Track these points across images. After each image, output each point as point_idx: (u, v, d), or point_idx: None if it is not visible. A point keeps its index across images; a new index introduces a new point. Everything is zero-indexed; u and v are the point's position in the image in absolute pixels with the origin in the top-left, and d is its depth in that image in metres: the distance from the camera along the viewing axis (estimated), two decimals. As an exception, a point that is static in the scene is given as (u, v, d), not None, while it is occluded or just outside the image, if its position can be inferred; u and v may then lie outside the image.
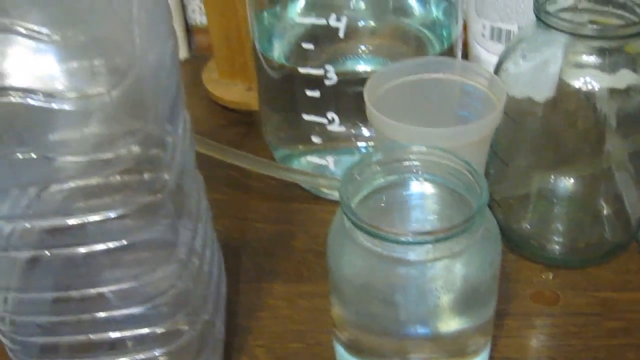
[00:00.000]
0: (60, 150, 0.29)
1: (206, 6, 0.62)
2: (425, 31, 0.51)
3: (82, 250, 0.32)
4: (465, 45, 0.63)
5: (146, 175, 0.33)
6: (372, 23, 0.49)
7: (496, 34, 0.60)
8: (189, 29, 0.73)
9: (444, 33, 0.50)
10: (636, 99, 0.43)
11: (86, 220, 0.31)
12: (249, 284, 0.47)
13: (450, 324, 0.35)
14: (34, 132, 0.28)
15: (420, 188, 0.37)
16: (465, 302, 0.34)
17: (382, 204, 0.37)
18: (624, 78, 0.42)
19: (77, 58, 0.28)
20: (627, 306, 0.44)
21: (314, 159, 0.49)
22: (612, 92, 0.42)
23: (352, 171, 0.35)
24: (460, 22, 0.50)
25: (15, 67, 0.27)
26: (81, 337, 0.35)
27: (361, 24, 0.48)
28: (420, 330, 0.35)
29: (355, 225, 0.32)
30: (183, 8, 0.72)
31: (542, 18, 0.40)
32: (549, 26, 0.40)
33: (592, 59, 0.41)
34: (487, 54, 0.58)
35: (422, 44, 0.50)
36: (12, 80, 0.27)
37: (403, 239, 0.32)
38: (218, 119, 0.63)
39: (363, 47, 0.48)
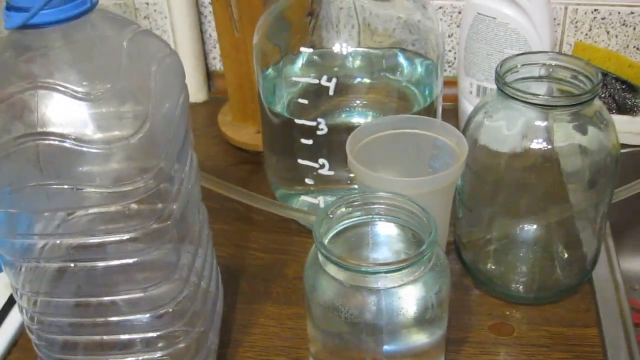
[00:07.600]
0: (87, 183, 0.36)
1: (222, 55, 0.69)
2: (412, 88, 0.58)
3: (101, 264, 0.40)
4: (456, 100, 0.70)
5: (156, 205, 0.40)
6: (363, 80, 0.56)
7: (481, 91, 0.67)
8: (209, 74, 0.81)
9: (426, 91, 0.57)
10: (598, 155, 0.49)
11: (105, 240, 0.39)
12: (245, 305, 0.54)
13: (406, 341, 0.42)
14: (67, 167, 0.35)
15: (384, 227, 0.44)
16: (418, 323, 0.41)
17: (352, 240, 0.43)
18: (592, 137, 0.49)
19: (104, 109, 0.35)
20: (574, 340, 0.49)
21: (307, 198, 0.56)
22: (573, 148, 0.48)
23: (326, 212, 0.41)
24: (441, 81, 0.57)
25: (54, 116, 0.35)
26: (96, 338, 0.42)
27: (354, 81, 0.55)
28: (378, 346, 0.41)
29: (325, 257, 0.39)
30: (205, 55, 0.81)
31: (501, 88, 0.47)
32: (507, 95, 0.47)
33: (546, 123, 0.47)
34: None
35: (407, 100, 0.57)
36: (52, 127, 0.34)
37: (364, 269, 0.39)
38: (229, 157, 0.71)
39: (353, 102, 0.55)
